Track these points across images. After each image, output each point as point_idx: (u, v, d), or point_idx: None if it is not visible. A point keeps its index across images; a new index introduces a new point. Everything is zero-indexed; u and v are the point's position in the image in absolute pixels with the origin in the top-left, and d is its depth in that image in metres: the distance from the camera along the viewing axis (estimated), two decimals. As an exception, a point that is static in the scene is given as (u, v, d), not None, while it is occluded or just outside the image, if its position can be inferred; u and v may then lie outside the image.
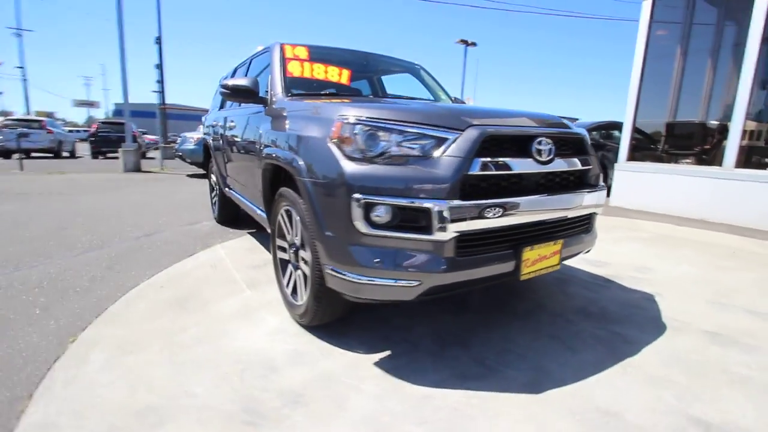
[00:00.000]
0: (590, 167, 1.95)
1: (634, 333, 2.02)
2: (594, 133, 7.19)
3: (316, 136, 1.68)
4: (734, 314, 2.29)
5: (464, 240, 1.52)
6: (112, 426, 1.31)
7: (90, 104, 45.37)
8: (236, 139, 3.03)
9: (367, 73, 3.23)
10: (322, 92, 2.66)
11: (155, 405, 1.41)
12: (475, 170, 1.50)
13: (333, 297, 1.75)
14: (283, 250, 2.17)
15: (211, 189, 4.57)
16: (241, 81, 2.35)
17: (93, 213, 4.74)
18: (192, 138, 9.17)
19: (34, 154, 14.60)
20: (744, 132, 4.62)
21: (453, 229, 1.45)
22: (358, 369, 1.66)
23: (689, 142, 5.76)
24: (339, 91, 2.76)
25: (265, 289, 2.48)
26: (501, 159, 1.58)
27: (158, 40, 18.87)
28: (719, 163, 4.83)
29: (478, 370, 1.67)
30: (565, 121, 2.00)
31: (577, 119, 9.34)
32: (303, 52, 2.68)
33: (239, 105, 3.21)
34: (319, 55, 2.78)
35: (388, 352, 1.79)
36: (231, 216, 4.21)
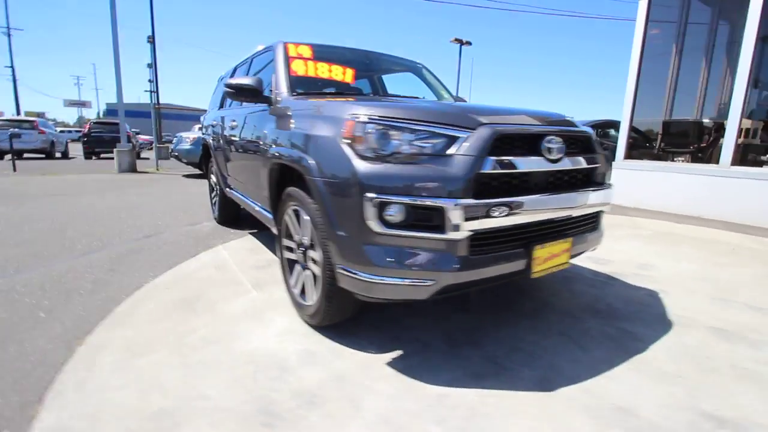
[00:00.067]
0: (598, 165, 1.97)
1: (641, 330, 2.04)
2: (591, 131, 7.23)
3: (327, 135, 1.67)
4: (738, 310, 2.32)
5: (477, 239, 1.52)
6: (128, 430, 1.30)
7: (81, 104, 44.89)
8: (239, 138, 3.01)
9: (369, 72, 3.23)
10: (326, 91, 2.65)
11: (169, 408, 1.40)
12: (488, 169, 1.50)
13: (344, 297, 1.74)
14: (290, 250, 2.15)
15: (211, 189, 4.53)
16: (245, 80, 2.33)
17: (90, 214, 4.69)
18: (188, 138, 9.09)
19: (26, 155, 14.43)
20: (740, 130, 4.67)
21: (467, 228, 1.45)
22: (371, 369, 1.66)
23: (686, 141, 5.82)
24: (342, 90, 2.76)
25: (272, 290, 2.46)
26: (513, 157, 1.58)
27: (151, 39, 18.72)
28: (716, 161, 4.88)
29: (491, 368, 1.67)
30: (573, 120, 2.01)
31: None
32: (306, 51, 2.67)
33: (240, 104, 3.19)
34: (322, 53, 2.77)
35: (399, 352, 1.79)
36: (232, 216, 4.19)
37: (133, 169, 10.39)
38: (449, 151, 1.50)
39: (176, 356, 1.73)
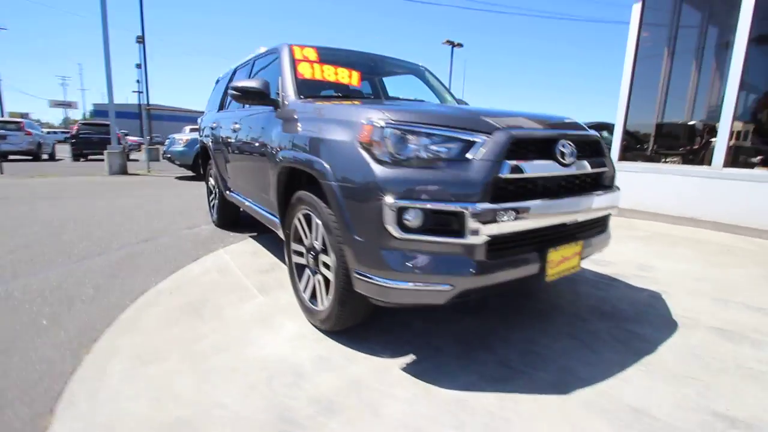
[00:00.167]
0: (606, 169, 1.99)
1: (648, 331, 2.07)
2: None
3: (343, 139, 1.66)
4: (738, 310, 2.36)
5: (494, 243, 1.52)
6: (146, 440, 1.27)
7: (67, 105, 44.04)
8: (242, 141, 2.98)
9: (371, 75, 3.22)
10: (333, 94, 2.64)
11: (186, 417, 1.37)
12: (505, 173, 1.51)
13: (358, 301, 1.74)
14: (299, 254, 2.14)
15: (209, 192, 4.48)
16: (251, 83, 2.31)
17: (85, 218, 4.60)
18: (181, 140, 8.98)
19: (12, 157, 14.10)
20: (731, 132, 4.78)
21: (485, 232, 1.45)
22: (386, 374, 1.66)
23: (678, 143, 5.92)
24: (348, 93, 2.75)
25: (278, 294, 2.44)
26: (528, 161, 1.59)
27: (140, 39, 18.46)
28: (708, 163, 4.98)
29: (505, 372, 1.68)
30: (582, 123, 2.03)
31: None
32: (312, 54, 2.66)
33: (243, 106, 3.16)
34: (326, 56, 2.76)
35: (412, 356, 1.79)
36: (231, 219, 4.15)
37: (123, 171, 10.23)
38: (468, 156, 1.51)
39: (187, 363, 1.70)
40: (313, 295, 2.03)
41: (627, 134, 6.02)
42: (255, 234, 3.96)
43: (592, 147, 1.97)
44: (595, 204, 1.86)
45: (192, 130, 9.58)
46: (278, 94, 2.42)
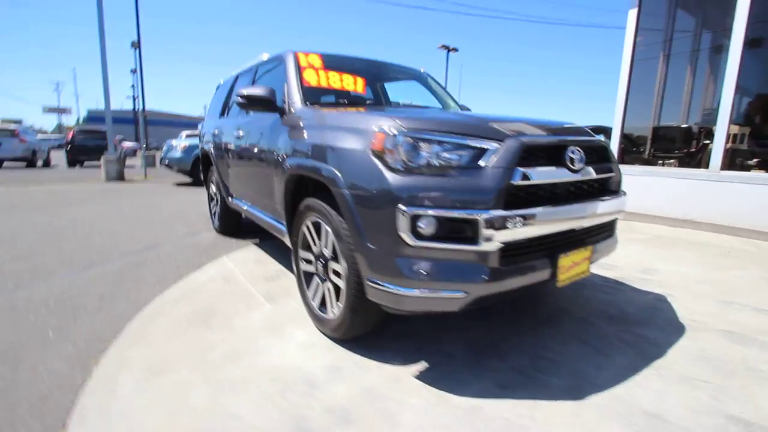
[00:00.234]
0: (614, 174, 2.01)
1: (657, 334, 2.08)
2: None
3: (355, 147, 1.66)
4: (743, 312, 2.38)
5: (506, 249, 1.53)
6: (163, 454, 1.26)
7: (61, 111, 43.83)
8: (246, 148, 2.97)
9: (375, 81, 3.23)
10: (339, 101, 2.65)
11: (202, 430, 1.36)
12: (517, 180, 1.52)
13: (369, 309, 1.73)
14: (308, 262, 2.13)
15: (211, 198, 4.46)
16: (258, 90, 2.31)
17: (84, 226, 4.56)
18: (179, 146, 8.94)
19: (6, 164, 13.99)
20: (728, 135, 4.83)
21: (499, 239, 1.46)
22: (400, 382, 1.65)
23: (675, 146, 5.98)
24: (353, 100, 2.76)
25: (285, 302, 2.43)
26: (539, 168, 1.60)
27: (136, 45, 18.40)
28: (706, 166, 5.03)
29: (518, 378, 1.68)
30: (588, 129, 2.05)
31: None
32: (316, 60, 2.66)
33: (246, 113, 3.16)
34: (330, 62, 2.76)
35: (424, 364, 1.78)
36: (233, 226, 4.13)
37: (120, 178, 10.18)
38: (480, 163, 1.51)
39: (199, 374, 1.69)
40: (323, 303, 2.02)
41: (624, 138, 6.07)
42: (257, 241, 3.95)
43: (599, 153, 1.99)
44: (604, 209, 1.87)
45: (188, 136, 9.54)
46: (284, 101, 2.43)
